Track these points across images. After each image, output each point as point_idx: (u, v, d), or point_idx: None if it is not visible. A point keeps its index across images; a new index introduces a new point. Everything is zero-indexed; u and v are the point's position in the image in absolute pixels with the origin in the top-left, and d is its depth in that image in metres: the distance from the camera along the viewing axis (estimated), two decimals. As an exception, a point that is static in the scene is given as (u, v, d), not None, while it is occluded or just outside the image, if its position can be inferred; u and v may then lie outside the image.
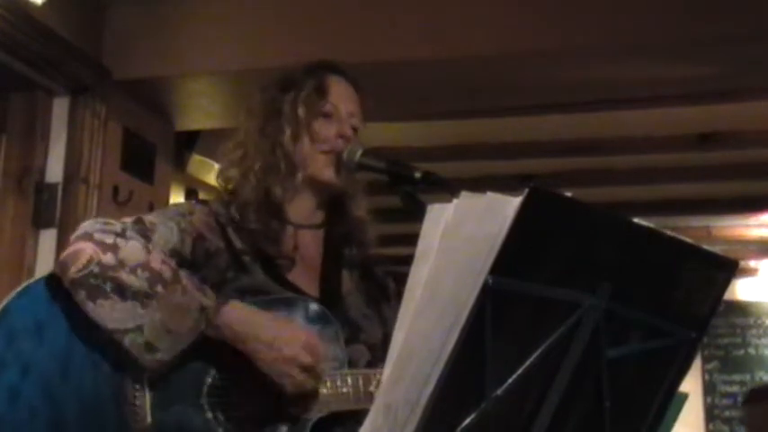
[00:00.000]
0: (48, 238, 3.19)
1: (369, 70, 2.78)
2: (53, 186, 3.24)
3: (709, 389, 7.09)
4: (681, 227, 5.69)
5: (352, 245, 1.79)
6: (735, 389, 7.06)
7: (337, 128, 1.73)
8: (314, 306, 1.62)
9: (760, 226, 6.16)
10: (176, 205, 1.78)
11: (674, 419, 1.57)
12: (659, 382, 1.12)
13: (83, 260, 1.52)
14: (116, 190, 3.36)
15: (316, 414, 1.55)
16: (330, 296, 1.70)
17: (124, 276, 1.52)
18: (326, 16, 3.23)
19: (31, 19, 2.96)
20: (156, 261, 1.54)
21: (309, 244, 1.75)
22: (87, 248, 1.54)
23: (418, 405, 0.98)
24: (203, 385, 1.55)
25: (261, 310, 1.57)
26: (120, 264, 1.53)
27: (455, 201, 1.00)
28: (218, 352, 1.55)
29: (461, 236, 0.99)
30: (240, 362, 1.54)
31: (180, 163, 4.23)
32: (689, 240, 1.08)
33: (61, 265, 1.55)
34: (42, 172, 3.25)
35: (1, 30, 2.87)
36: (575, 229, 1.01)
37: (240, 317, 1.54)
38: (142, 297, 1.51)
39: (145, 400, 1.53)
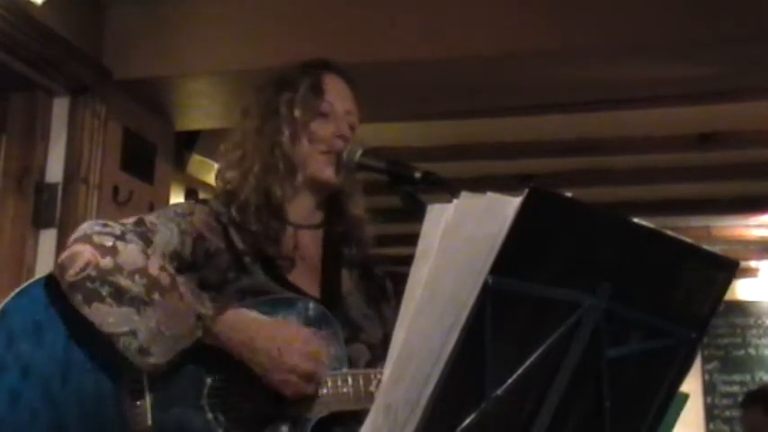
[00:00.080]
0: (48, 238, 3.19)
1: (369, 70, 2.80)
2: (53, 186, 3.24)
3: (709, 389, 7.10)
4: (681, 227, 5.70)
5: (351, 244, 1.79)
6: (735, 389, 7.06)
7: (335, 127, 1.73)
8: (314, 306, 1.62)
9: (760, 226, 6.17)
10: (177, 205, 1.77)
11: (675, 419, 1.57)
12: (659, 383, 1.12)
13: (80, 263, 1.52)
14: (116, 190, 3.36)
15: (316, 414, 1.55)
16: (330, 296, 1.70)
17: (122, 281, 1.51)
18: (326, 16, 3.23)
19: (31, 19, 2.96)
20: (154, 267, 1.54)
21: (309, 244, 1.75)
22: (85, 251, 1.53)
23: (418, 405, 0.98)
24: (204, 386, 1.55)
25: (259, 316, 1.56)
26: (118, 268, 1.52)
27: (455, 201, 1.00)
28: (218, 353, 1.54)
29: (461, 236, 0.99)
30: (240, 363, 1.53)
31: (180, 163, 4.23)
32: (689, 240, 1.08)
33: (59, 267, 1.55)
34: (42, 172, 3.25)
35: (1, 30, 2.87)
36: (575, 229, 1.01)
37: (237, 325, 1.53)
38: (138, 303, 1.50)
39: (145, 402, 1.53)
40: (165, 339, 1.50)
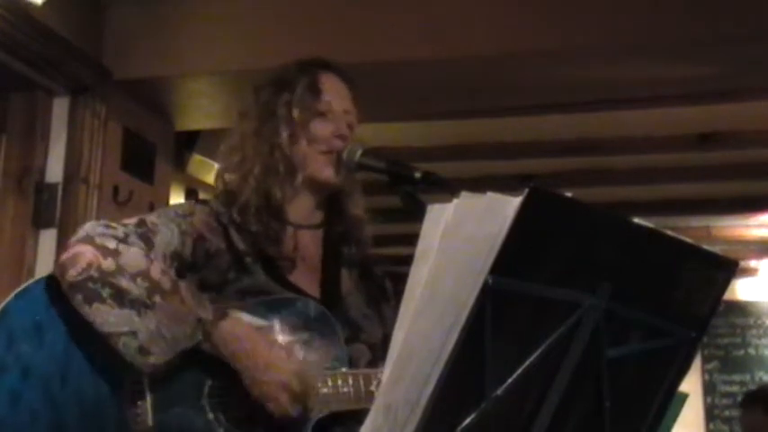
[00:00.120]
0: (48, 238, 3.19)
1: (369, 70, 2.80)
2: (53, 186, 3.24)
3: (709, 389, 7.09)
4: (681, 227, 5.69)
5: (351, 244, 1.79)
6: (735, 389, 7.06)
7: (333, 127, 1.72)
8: (314, 306, 1.62)
9: (760, 226, 6.16)
10: (177, 206, 1.77)
11: (674, 419, 1.57)
12: (659, 382, 1.12)
13: (82, 264, 1.52)
14: (116, 190, 3.36)
15: (316, 414, 1.55)
16: (330, 296, 1.70)
17: (123, 283, 1.51)
18: (326, 16, 3.22)
19: (31, 19, 2.96)
20: (156, 271, 1.54)
21: (309, 244, 1.75)
22: (87, 252, 1.53)
23: (418, 405, 0.98)
24: (204, 386, 1.55)
25: (257, 331, 1.56)
26: (120, 270, 1.52)
27: (455, 201, 1.00)
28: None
29: (461, 236, 0.99)
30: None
31: (180, 163, 4.23)
32: (689, 240, 1.08)
33: (60, 267, 1.55)
34: (42, 172, 3.25)
35: (1, 30, 2.87)
36: (575, 229, 1.01)
37: (236, 334, 1.54)
38: (139, 305, 1.50)
39: (145, 402, 1.53)
40: (165, 340, 1.50)
